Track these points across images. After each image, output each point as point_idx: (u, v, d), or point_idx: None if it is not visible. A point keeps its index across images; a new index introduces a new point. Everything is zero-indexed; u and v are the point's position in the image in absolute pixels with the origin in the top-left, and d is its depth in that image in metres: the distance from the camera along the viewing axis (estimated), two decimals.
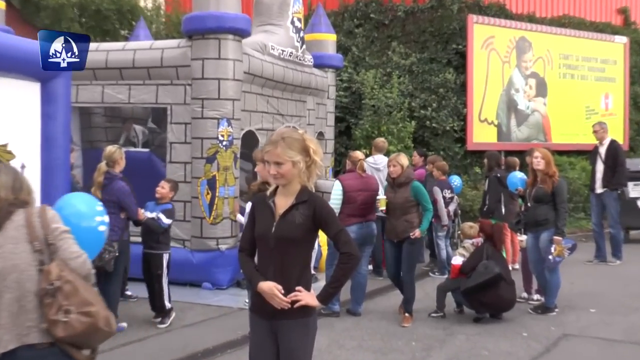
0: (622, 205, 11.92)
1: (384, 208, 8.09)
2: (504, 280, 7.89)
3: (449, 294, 8.36)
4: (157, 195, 7.79)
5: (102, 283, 7.36)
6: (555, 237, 8.21)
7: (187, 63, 9.37)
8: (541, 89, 17.53)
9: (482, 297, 7.87)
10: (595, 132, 11.83)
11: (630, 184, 13.37)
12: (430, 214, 8.07)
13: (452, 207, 11.00)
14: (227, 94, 9.34)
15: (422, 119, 16.02)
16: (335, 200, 8.08)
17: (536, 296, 9.04)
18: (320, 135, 13.10)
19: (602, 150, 11.76)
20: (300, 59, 11.75)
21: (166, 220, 7.57)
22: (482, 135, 16.52)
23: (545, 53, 17.61)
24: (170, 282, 7.82)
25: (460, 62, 16.67)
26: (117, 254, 7.14)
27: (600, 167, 11.77)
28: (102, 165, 7.37)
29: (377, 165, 10.24)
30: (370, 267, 10.21)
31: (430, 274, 10.92)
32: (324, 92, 13.14)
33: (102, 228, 4.37)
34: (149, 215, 7.57)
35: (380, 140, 10.83)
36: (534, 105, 17.40)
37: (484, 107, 16.63)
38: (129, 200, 7.31)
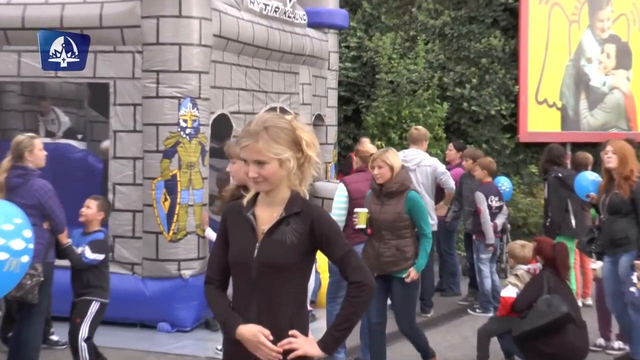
0: None
1: (363, 225, 7.59)
2: (573, 322, 7.84)
3: (495, 340, 8.32)
4: (80, 219, 7.59)
5: (19, 321, 7.34)
6: (637, 262, 8.16)
7: (136, 22, 9.42)
8: (623, 59, 17.51)
9: (543, 345, 7.81)
10: None
11: None
12: (429, 243, 7.63)
13: (500, 220, 11.01)
14: (191, 65, 9.40)
15: (458, 99, 16.13)
16: (338, 210, 8.10)
17: (617, 343, 9.04)
18: (319, 120, 13.14)
19: None
20: (289, 16, 11.82)
21: (91, 255, 7.36)
22: (540, 122, 16.58)
23: (630, 8, 17.58)
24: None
25: (510, 23, 16.75)
26: (41, 279, 7.10)
27: None
28: (5, 162, 7.32)
29: (408, 162, 10.26)
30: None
31: (470, 310, 10.97)
32: (324, 61, 13.20)
33: (4, 256, 4.29)
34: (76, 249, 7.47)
35: (416, 129, 10.81)
36: (612, 80, 17.41)
37: (543, 84, 16.70)
38: (54, 204, 7.25)
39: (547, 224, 10.55)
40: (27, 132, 8.16)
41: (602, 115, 17.24)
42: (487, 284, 10.78)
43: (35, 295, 7.06)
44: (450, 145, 12.58)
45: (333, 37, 13.62)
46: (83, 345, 7.34)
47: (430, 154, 11.94)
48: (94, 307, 7.42)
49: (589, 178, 9.64)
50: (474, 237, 10.89)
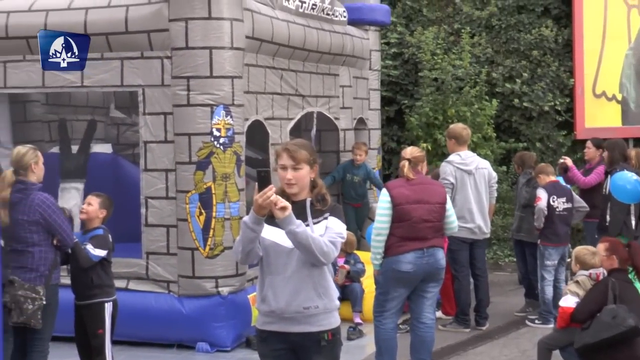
0: None
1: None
2: None
3: (557, 353, 8.34)
4: (81, 217, 7.81)
5: (20, 349, 7.33)
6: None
7: (164, 26, 9.53)
8: None
9: (609, 359, 7.78)
10: None
11: None
12: None
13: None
14: (223, 70, 9.49)
15: (508, 96, 16.14)
16: (381, 216, 8.20)
17: None
18: (361, 124, 13.20)
19: None
20: (328, 13, 11.89)
21: (96, 252, 7.51)
22: (599, 116, 16.59)
23: None
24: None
25: (563, 11, 16.74)
26: (44, 302, 7.15)
27: None
28: (8, 174, 7.31)
29: (468, 166, 10.34)
30: (439, 313, 10.33)
31: (528, 322, 10.98)
32: (365, 61, 13.23)
33: None
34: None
35: (461, 127, 10.69)
36: None
37: (601, 76, 16.69)
38: (58, 218, 7.28)
39: (605, 224, 10.47)
40: (52, 143, 8.16)
41: None
42: (549, 293, 10.65)
43: (38, 320, 7.08)
44: (589, 143, 12.56)
45: (374, 35, 13.63)
46: (112, 355, 7.64)
47: (480, 155, 12.01)
48: (107, 310, 7.62)
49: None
50: (539, 241, 10.85)
